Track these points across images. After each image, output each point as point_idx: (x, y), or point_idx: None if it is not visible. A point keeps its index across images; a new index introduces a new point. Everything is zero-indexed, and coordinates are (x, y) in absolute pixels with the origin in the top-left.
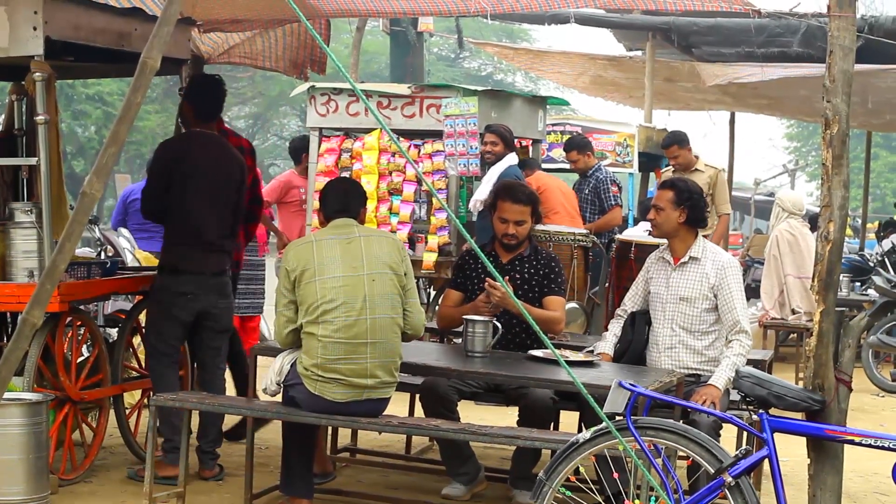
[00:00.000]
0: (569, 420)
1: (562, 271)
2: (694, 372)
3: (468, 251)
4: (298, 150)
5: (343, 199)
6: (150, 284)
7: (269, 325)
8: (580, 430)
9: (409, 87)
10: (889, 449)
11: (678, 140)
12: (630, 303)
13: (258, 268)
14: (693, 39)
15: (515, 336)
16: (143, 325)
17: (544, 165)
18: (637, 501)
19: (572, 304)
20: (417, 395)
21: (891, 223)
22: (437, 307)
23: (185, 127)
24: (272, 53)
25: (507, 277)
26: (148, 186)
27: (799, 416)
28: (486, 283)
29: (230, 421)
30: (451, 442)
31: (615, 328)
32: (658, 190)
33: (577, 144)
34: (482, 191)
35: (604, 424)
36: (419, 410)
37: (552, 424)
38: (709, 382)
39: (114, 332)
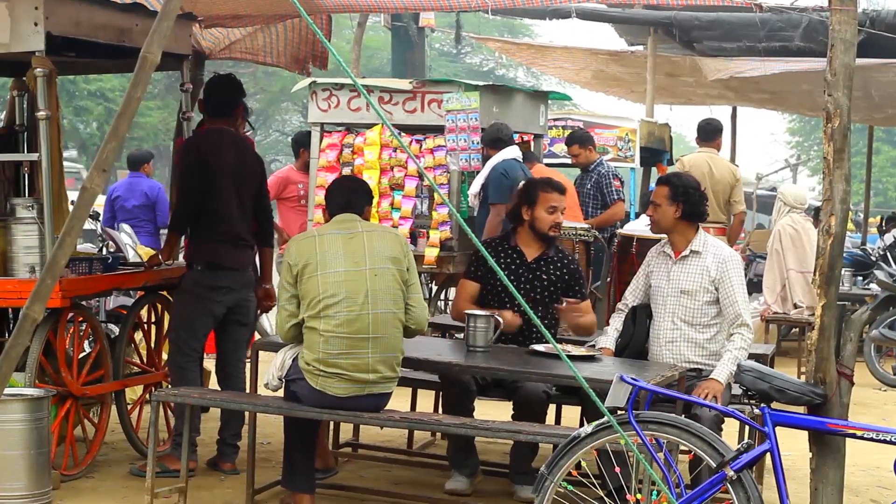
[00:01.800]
0: (570, 414)
1: (582, 272)
2: (695, 366)
3: (489, 242)
4: (299, 145)
5: (347, 197)
6: (179, 279)
7: (270, 320)
8: (582, 425)
9: (410, 83)
10: (891, 443)
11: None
12: (631, 297)
13: None
14: (694, 34)
15: (518, 332)
16: (144, 320)
17: (546, 160)
18: (639, 495)
19: None
20: (438, 389)
21: (893, 217)
22: (438, 302)
23: (203, 124)
24: (273, 49)
25: (532, 276)
26: (183, 190)
27: (801, 410)
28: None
29: None
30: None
31: (616, 322)
32: (655, 186)
33: (579, 139)
34: (476, 184)
35: (605, 419)
36: (421, 405)
37: (553, 418)
38: (710, 377)
39: (115, 327)
